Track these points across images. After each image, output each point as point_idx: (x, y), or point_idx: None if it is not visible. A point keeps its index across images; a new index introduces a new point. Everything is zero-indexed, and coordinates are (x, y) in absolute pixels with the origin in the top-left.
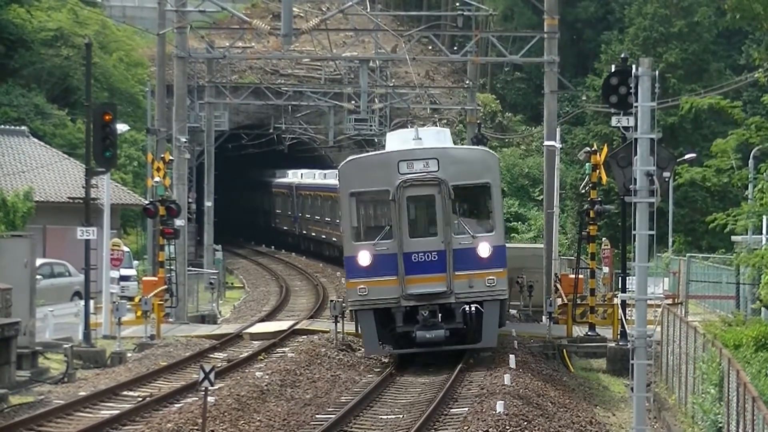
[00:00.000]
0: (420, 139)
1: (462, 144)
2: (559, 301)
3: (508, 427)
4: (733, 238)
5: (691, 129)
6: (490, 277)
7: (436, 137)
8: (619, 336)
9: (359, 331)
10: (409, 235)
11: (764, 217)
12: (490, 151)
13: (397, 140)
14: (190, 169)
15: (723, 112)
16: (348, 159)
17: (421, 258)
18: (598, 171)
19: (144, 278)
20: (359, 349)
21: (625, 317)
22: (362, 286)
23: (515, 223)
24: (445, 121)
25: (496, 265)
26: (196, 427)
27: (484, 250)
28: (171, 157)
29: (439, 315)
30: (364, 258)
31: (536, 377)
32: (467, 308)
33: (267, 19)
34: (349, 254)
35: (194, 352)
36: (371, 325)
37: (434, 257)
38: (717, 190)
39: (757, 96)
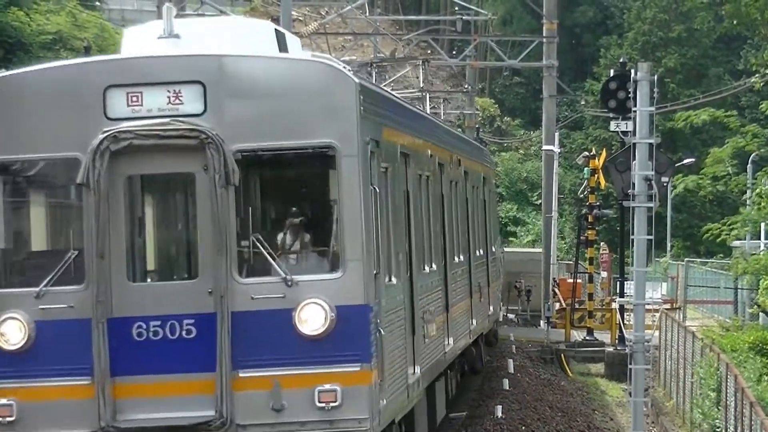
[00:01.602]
0: (177, 36)
1: None
2: (557, 306)
3: None
4: (732, 243)
5: (690, 134)
6: (329, 387)
7: (222, 35)
8: (617, 340)
9: None
10: (127, 273)
11: (762, 223)
12: (339, 66)
13: (135, 40)
14: None
15: (720, 119)
16: None
17: (156, 332)
18: (596, 175)
19: None
20: None
21: (623, 322)
22: (4, 402)
23: (514, 227)
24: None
25: (350, 355)
26: None
27: (313, 316)
28: None
29: None
30: (10, 331)
31: (534, 382)
32: None
33: None
34: None
35: None
36: None
37: (187, 331)
38: (714, 196)
39: (756, 101)
